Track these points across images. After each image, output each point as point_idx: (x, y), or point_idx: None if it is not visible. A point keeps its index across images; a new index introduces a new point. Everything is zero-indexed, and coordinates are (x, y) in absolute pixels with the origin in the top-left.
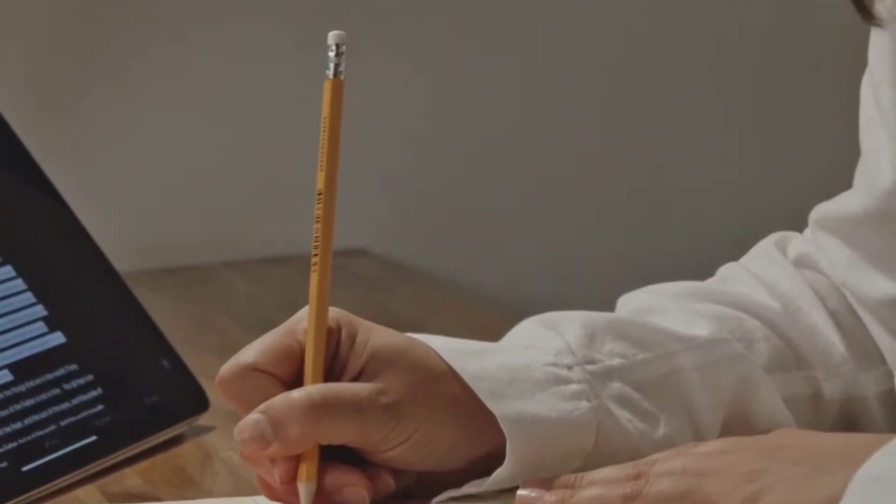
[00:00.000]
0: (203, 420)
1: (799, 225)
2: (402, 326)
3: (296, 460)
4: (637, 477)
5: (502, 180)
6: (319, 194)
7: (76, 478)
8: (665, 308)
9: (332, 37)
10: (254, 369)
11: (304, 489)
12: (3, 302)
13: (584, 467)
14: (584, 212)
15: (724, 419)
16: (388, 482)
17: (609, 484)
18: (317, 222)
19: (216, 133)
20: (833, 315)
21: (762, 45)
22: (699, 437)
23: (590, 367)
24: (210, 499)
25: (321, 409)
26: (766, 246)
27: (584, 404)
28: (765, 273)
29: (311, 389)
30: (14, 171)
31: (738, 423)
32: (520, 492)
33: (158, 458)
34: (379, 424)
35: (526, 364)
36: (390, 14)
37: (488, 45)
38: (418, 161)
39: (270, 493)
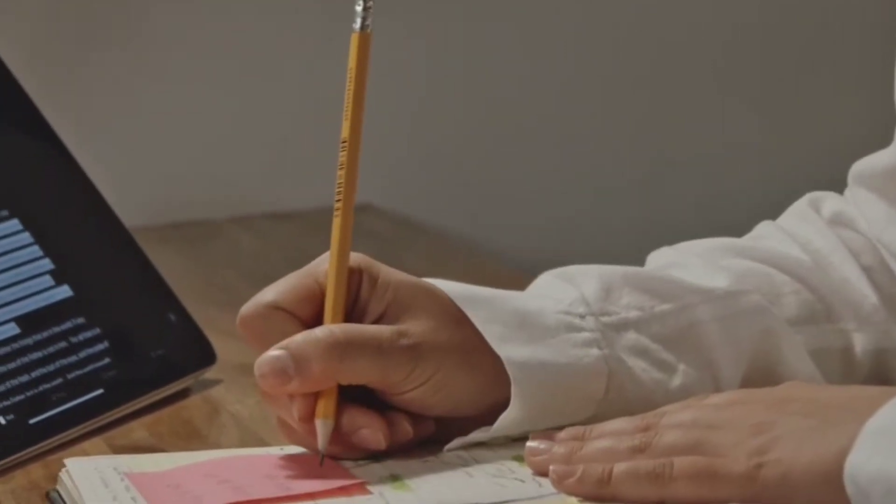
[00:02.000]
0: (210, 374)
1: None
2: None
3: (314, 398)
4: (646, 429)
5: (509, 134)
6: (344, 142)
7: (83, 430)
8: (687, 263)
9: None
10: (275, 308)
11: (322, 426)
12: (10, 255)
13: (597, 416)
14: (593, 167)
15: (745, 372)
16: (406, 429)
17: (617, 436)
18: (340, 169)
19: (223, 90)
20: (866, 270)
21: (774, 13)
22: (719, 389)
23: (604, 319)
24: (242, 448)
25: (343, 346)
26: (799, 206)
27: (594, 351)
28: (797, 230)
29: (334, 327)
30: (22, 126)
31: (761, 377)
32: (529, 443)
33: (165, 412)
34: (399, 365)
35: (538, 310)
36: None
37: (497, 1)
38: (424, 115)
39: (289, 434)
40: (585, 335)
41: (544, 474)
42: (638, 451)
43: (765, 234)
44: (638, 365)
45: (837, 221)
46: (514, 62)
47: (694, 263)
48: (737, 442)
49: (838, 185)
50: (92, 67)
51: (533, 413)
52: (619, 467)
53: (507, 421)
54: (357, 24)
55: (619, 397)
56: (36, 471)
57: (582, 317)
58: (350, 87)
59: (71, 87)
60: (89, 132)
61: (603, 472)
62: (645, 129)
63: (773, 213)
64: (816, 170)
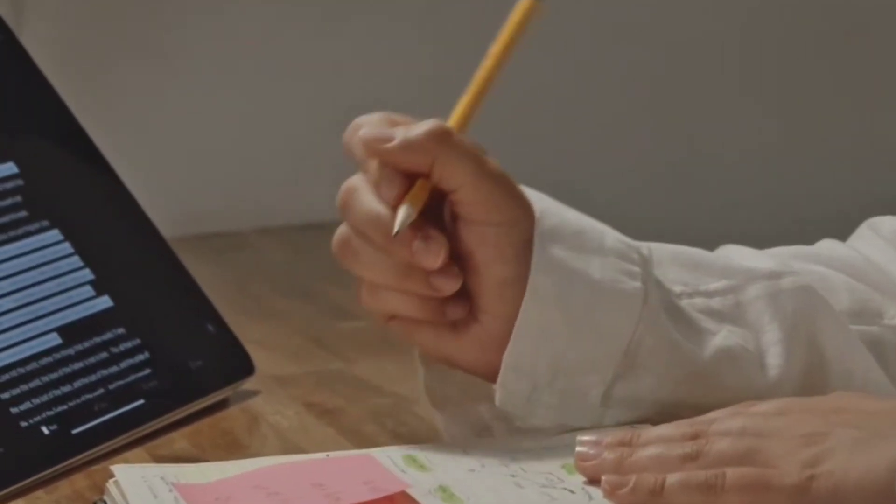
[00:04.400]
0: (247, 385)
1: (829, 197)
2: None
3: (403, 189)
4: (695, 436)
5: (522, 136)
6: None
7: (125, 441)
8: (740, 252)
9: None
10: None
11: (404, 211)
12: (51, 265)
13: (618, 380)
14: (607, 170)
15: (790, 348)
16: (456, 272)
17: (667, 443)
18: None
19: (252, 100)
20: None
21: (797, 12)
22: (763, 360)
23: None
24: (286, 455)
25: (450, 135)
26: (860, 230)
27: (636, 284)
28: (856, 245)
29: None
30: (62, 137)
31: (809, 356)
32: (578, 448)
33: (205, 422)
34: (487, 182)
35: (601, 230)
36: None
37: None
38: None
39: (368, 294)
40: (633, 268)
41: (595, 481)
42: (689, 459)
43: (824, 245)
44: (672, 326)
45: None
46: (534, 65)
47: (746, 253)
48: (788, 452)
49: (859, 188)
50: (122, 82)
51: (547, 317)
52: (672, 478)
53: (521, 322)
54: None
55: (646, 353)
56: (80, 481)
57: (635, 257)
58: (499, 41)
59: (102, 100)
60: (116, 143)
61: (655, 482)
62: (661, 130)
63: (791, 215)
64: (836, 173)
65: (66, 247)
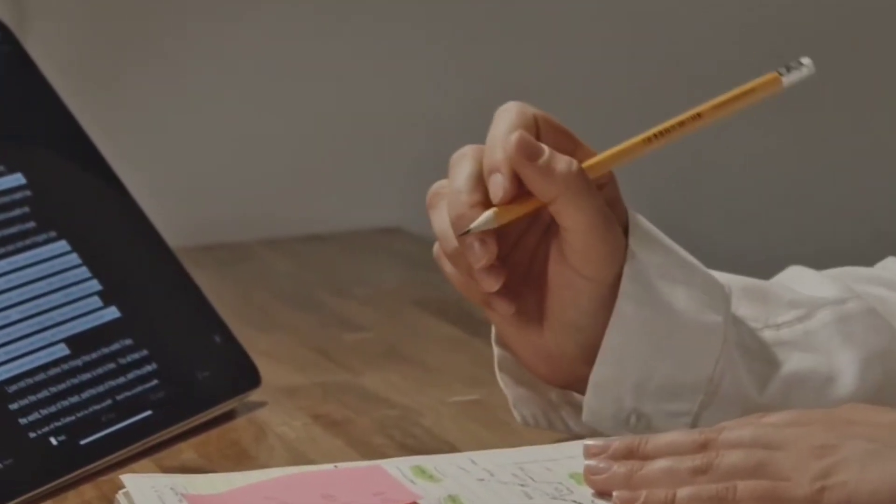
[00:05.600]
0: (254, 396)
1: (834, 204)
2: (448, 303)
3: (510, 194)
4: (704, 445)
5: None
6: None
7: (133, 452)
8: (804, 277)
9: (807, 63)
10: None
11: (488, 214)
12: (59, 276)
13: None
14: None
15: (862, 371)
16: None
17: (678, 456)
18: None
19: (258, 110)
20: None
21: (801, 18)
22: (835, 386)
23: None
24: (294, 466)
25: (584, 178)
26: None
27: (718, 318)
28: None
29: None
30: (70, 149)
31: (883, 375)
32: (586, 462)
33: (212, 434)
34: (596, 237)
35: (690, 262)
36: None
37: (519, 26)
38: (453, 139)
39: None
40: (716, 303)
41: (605, 494)
42: (700, 472)
43: (888, 265)
44: (743, 365)
45: None
46: (538, 87)
47: (813, 277)
48: (799, 464)
49: (864, 195)
50: (123, 87)
51: (630, 342)
52: (683, 492)
53: (605, 346)
54: (786, 70)
55: (728, 385)
56: (88, 491)
57: (720, 293)
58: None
59: (105, 109)
60: (122, 153)
61: (666, 497)
62: (679, 155)
63: (795, 222)
64: (841, 180)
65: (74, 258)
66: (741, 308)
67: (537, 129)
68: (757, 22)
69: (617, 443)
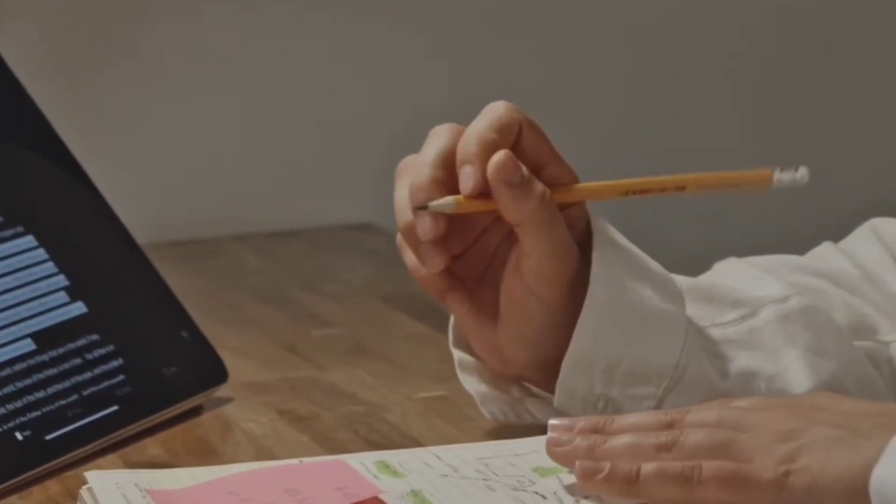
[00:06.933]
0: (221, 392)
1: (816, 209)
2: (417, 299)
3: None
4: (670, 425)
5: None
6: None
7: (98, 447)
8: (748, 273)
9: (803, 173)
10: None
11: (451, 199)
12: (25, 272)
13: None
14: (595, 172)
15: (809, 364)
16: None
17: (642, 432)
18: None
19: (225, 108)
20: None
21: (781, 29)
22: (785, 377)
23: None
24: (256, 462)
25: (552, 212)
26: (861, 230)
27: (679, 308)
28: (853, 249)
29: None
30: (37, 143)
31: (827, 372)
32: (549, 434)
33: (178, 429)
34: (551, 268)
35: (650, 260)
36: None
37: (497, 25)
38: (421, 137)
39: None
40: (675, 294)
41: (567, 465)
42: (664, 448)
43: (822, 253)
44: (705, 352)
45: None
46: (515, 88)
47: (753, 274)
48: (764, 447)
49: (845, 200)
50: (92, 84)
51: (603, 326)
52: (648, 467)
53: (580, 328)
54: (779, 170)
55: (692, 372)
56: (53, 487)
57: (675, 286)
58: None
59: (76, 106)
60: (91, 149)
61: (631, 470)
62: (650, 131)
63: (781, 219)
64: (822, 186)
65: (41, 253)
66: (688, 308)
67: (519, 134)
68: (736, 21)
69: (583, 422)
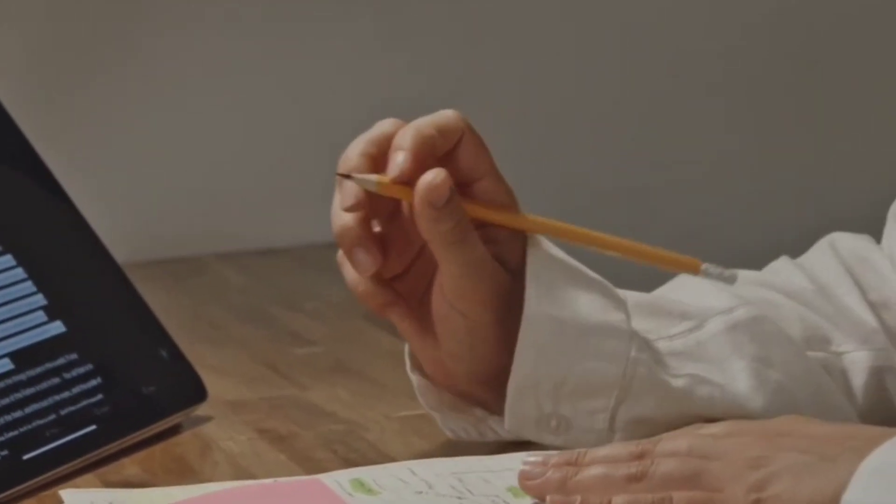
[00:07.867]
0: (200, 410)
1: (797, 216)
2: None
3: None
4: (641, 456)
5: (502, 142)
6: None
7: (76, 466)
8: (699, 286)
9: (731, 275)
10: None
11: (374, 178)
12: (4, 291)
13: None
14: (588, 173)
15: (755, 375)
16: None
17: (613, 463)
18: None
19: (209, 125)
20: (872, 304)
21: (766, 44)
22: (728, 394)
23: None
24: (232, 481)
25: (469, 238)
26: (819, 244)
27: (622, 316)
28: (809, 264)
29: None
30: (15, 161)
31: (775, 382)
32: (522, 467)
33: (157, 448)
34: (463, 284)
35: (588, 272)
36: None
37: (482, 38)
38: None
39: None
40: (617, 302)
41: (539, 498)
42: (634, 479)
43: (778, 267)
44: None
45: (853, 258)
46: (501, 99)
47: (700, 287)
48: (734, 475)
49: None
50: (78, 105)
51: (543, 344)
52: (618, 500)
53: (520, 348)
54: (709, 268)
55: (641, 378)
56: None
57: (616, 295)
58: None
59: (57, 123)
60: (70, 166)
61: (601, 503)
62: (644, 136)
63: (767, 226)
64: (813, 185)
65: (19, 272)
66: (634, 321)
67: (460, 141)
68: (735, 21)
69: (556, 457)
